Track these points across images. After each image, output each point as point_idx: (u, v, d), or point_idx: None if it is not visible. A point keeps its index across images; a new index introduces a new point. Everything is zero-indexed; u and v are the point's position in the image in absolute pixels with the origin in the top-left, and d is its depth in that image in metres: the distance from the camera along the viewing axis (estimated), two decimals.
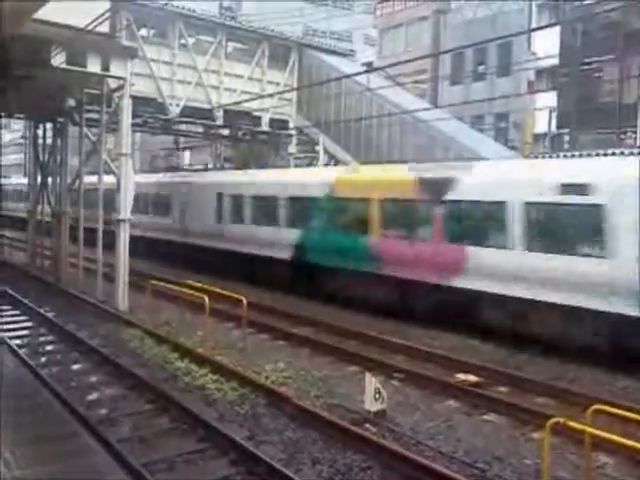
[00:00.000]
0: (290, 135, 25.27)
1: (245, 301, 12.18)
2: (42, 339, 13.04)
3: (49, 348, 12.38)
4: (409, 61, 18.63)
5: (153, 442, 7.89)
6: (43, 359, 11.52)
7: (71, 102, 19.16)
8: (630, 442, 6.02)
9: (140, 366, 10.89)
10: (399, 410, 9.04)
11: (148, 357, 11.55)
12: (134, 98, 17.01)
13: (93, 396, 9.54)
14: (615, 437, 6.04)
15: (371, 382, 8.76)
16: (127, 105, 16.35)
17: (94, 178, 18.33)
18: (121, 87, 16.46)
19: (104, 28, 15.36)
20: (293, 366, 11.10)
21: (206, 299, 11.93)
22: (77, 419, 7.77)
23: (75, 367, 11.10)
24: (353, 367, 11.26)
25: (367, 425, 8.47)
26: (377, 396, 8.71)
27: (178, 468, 7.23)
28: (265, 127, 23.99)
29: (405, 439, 8.06)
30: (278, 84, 24.16)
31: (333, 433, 8.09)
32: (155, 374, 10.49)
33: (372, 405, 8.71)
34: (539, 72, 29.90)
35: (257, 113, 23.56)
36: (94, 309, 15.73)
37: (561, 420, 6.43)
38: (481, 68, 31.81)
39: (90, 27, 12.29)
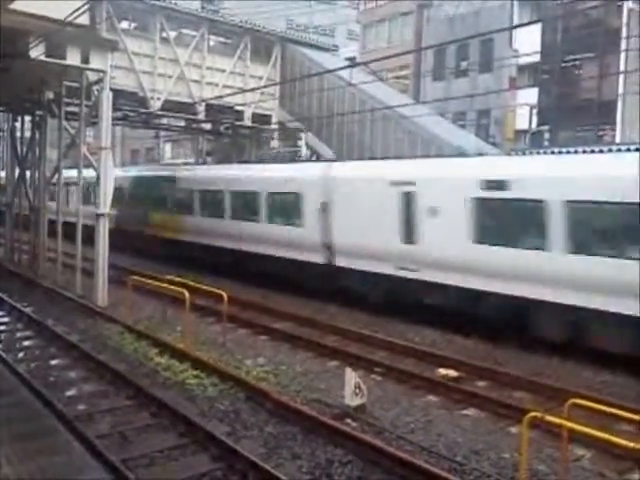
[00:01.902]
0: (272, 130, 25.19)
1: (226, 296, 12.13)
2: (20, 334, 12.89)
3: (27, 344, 12.22)
4: (391, 56, 18.68)
5: (133, 438, 7.84)
6: (20, 355, 11.40)
7: (50, 95, 18.87)
8: (605, 435, 6.13)
9: (120, 362, 10.81)
10: (379, 405, 9.08)
11: (128, 353, 11.47)
12: (114, 91, 16.81)
13: (72, 392, 9.46)
14: (591, 430, 6.13)
15: (351, 377, 8.78)
16: (107, 98, 16.15)
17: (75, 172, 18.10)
18: (101, 80, 16.26)
19: (84, 20, 15.17)
20: (273, 361, 11.11)
21: (186, 294, 11.87)
22: (55, 415, 7.71)
23: (53, 363, 10.99)
24: (334, 362, 11.28)
25: (347, 420, 8.50)
26: (357, 391, 8.74)
27: (158, 464, 7.20)
28: (247, 122, 23.87)
29: (385, 434, 8.10)
30: (261, 78, 24.03)
31: (313, 428, 8.10)
32: (135, 370, 10.43)
33: (352, 400, 8.74)
34: (521, 69, 30.13)
35: (239, 107, 23.44)
36: (73, 304, 15.56)
37: (538, 414, 6.52)
38: (463, 64, 31.96)
39: (70, 19, 12.13)
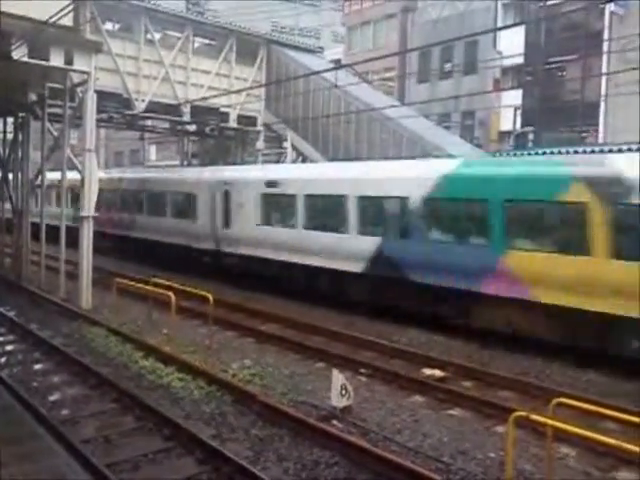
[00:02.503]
0: (258, 131, 25.15)
1: (211, 298, 12.07)
2: (2, 339, 12.72)
3: (9, 348, 12.07)
4: (376, 59, 18.76)
5: (117, 442, 7.77)
6: (3, 359, 11.25)
7: (33, 96, 18.71)
8: (590, 433, 6.17)
9: (104, 365, 10.71)
10: (366, 406, 9.08)
11: (112, 356, 11.36)
12: (99, 93, 16.68)
13: (55, 396, 9.35)
14: (575, 429, 6.17)
15: (337, 378, 8.77)
16: (91, 100, 16.02)
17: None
18: (85, 81, 16.13)
19: (68, 21, 15.06)
20: (259, 363, 11.07)
21: (172, 297, 11.79)
22: (39, 420, 7.63)
23: (37, 367, 10.86)
24: (320, 363, 11.27)
25: (334, 421, 8.49)
26: (344, 392, 8.73)
27: (143, 468, 7.13)
28: (233, 123, 23.83)
29: (371, 435, 8.10)
30: (246, 80, 24.02)
31: (300, 430, 8.08)
32: (120, 373, 10.34)
33: (339, 401, 8.73)
34: (505, 70, 30.34)
35: (225, 109, 23.40)
36: (57, 308, 15.41)
37: (524, 414, 6.55)
38: (447, 66, 32.12)
39: (53, 20, 12.03)
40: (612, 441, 5.91)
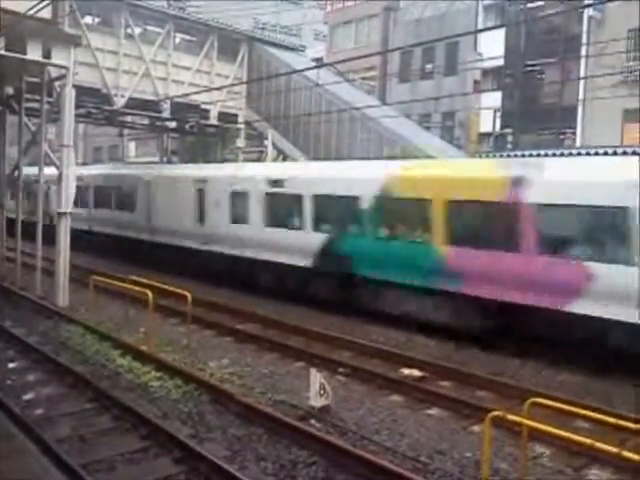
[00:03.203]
0: (239, 129, 25.05)
1: (189, 297, 11.99)
2: None
3: None
4: (358, 58, 18.79)
5: (93, 442, 7.69)
6: None
7: (9, 90, 18.41)
8: (564, 432, 6.26)
9: (80, 364, 10.59)
10: (344, 405, 9.09)
11: (89, 355, 11.23)
12: (77, 88, 16.48)
13: (30, 395, 9.21)
14: (550, 428, 6.26)
15: (316, 378, 8.78)
16: (69, 95, 15.81)
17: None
18: (63, 76, 15.91)
19: (46, 14, 14.85)
20: (238, 362, 11.04)
21: (150, 295, 11.70)
22: (12, 420, 7.52)
23: (11, 366, 10.67)
24: (299, 363, 11.26)
25: (312, 421, 8.50)
26: (322, 392, 8.74)
27: (119, 468, 7.07)
28: (213, 120, 23.71)
29: (350, 434, 8.13)
30: (227, 77, 23.92)
31: (278, 429, 8.08)
32: (96, 372, 10.23)
33: (317, 401, 8.74)
34: (485, 72, 30.61)
35: (205, 106, 23.28)
36: (32, 305, 15.19)
37: (500, 413, 6.63)
38: (428, 67, 32.31)
39: (31, 12, 11.85)
40: (585, 440, 6.03)
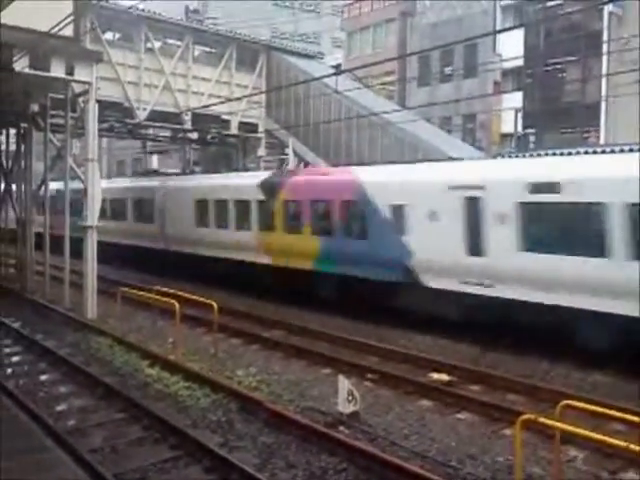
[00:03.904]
0: (259, 138, 25.19)
1: (216, 306, 12.07)
2: (8, 350, 12.71)
3: (15, 359, 12.07)
4: (376, 63, 18.78)
5: (125, 452, 7.77)
6: (9, 370, 11.26)
7: (35, 107, 18.77)
8: (597, 435, 6.15)
9: (110, 375, 10.72)
10: (372, 411, 9.06)
11: (118, 365, 11.36)
12: (100, 102, 16.75)
13: (62, 407, 9.35)
14: (583, 431, 6.15)
15: (344, 384, 8.76)
16: (93, 110, 16.08)
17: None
18: (86, 91, 16.20)
19: (68, 32, 15.14)
20: (265, 370, 11.06)
21: (176, 305, 11.80)
22: (46, 431, 7.63)
23: (43, 378, 10.85)
24: (326, 369, 11.25)
25: (341, 427, 8.47)
26: (350, 398, 8.72)
27: (151, 477, 7.12)
28: (234, 130, 23.87)
29: (379, 440, 8.08)
30: (246, 87, 24.07)
31: (307, 436, 8.07)
32: (126, 382, 10.33)
33: (345, 407, 8.72)
34: (505, 73, 30.38)
35: (226, 116, 23.45)
36: (62, 318, 15.42)
37: (531, 416, 6.54)
38: (448, 70, 32.17)
39: (53, 31, 12.09)
40: (619, 442, 5.90)
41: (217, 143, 26.33)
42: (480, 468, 7.30)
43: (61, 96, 17.28)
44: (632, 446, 5.69)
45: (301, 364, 11.67)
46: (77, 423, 8.65)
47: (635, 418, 6.32)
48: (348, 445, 7.69)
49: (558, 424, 6.48)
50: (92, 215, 16.01)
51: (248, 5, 39.22)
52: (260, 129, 24.85)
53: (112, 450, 7.77)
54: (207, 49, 25.29)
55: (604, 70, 24.04)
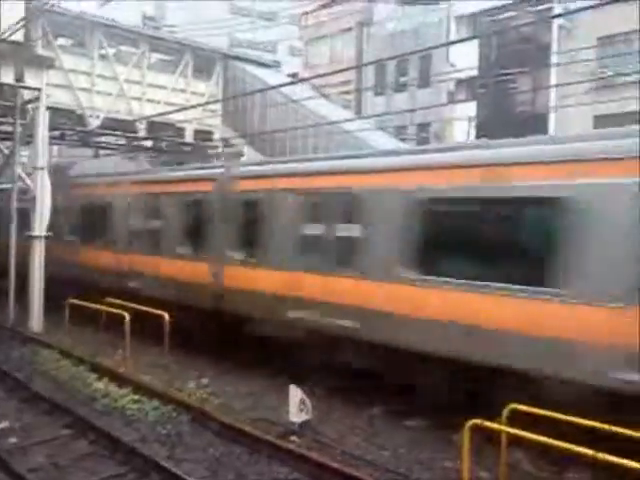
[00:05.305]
0: (214, 146, 25.03)
1: (167, 317, 11.86)
2: None
3: None
4: (333, 73, 18.92)
5: (69, 469, 7.53)
6: None
7: None
8: (541, 437, 6.24)
9: (56, 389, 10.41)
10: (324, 420, 9.03)
11: (65, 379, 11.04)
12: (51, 109, 16.37)
13: (3, 425, 9.00)
14: (526, 434, 6.25)
15: (296, 393, 8.71)
16: (43, 117, 15.71)
17: None
18: (36, 98, 15.80)
19: (18, 37, 14.79)
20: (217, 381, 10.92)
21: (126, 316, 11.55)
22: None
23: None
24: (279, 379, 11.13)
25: (292, 437, 8.42)
26: (302, 407, 8.67)
27: None
28: (189, 138, 23.67)
29: (330, 449, 8.06)
30: (203, 95, 23.92)
31: (258, 447, 8.00)
32: (72, 397, 10.05)
33: (297, 416, 8.66)
34: (459, 83, 30.92)
35: (181, 124, 23.23)
36: (6, 332, 14.92)
37: (478, 421, 6.61)
38: (403, 79, 32.61)
39: (4, 35, 11.78)
40: (561, 444, 6.02)
41: (172, 151, 26.02)
42: (429, 473, 7.37)
43: (10, 103, 16.81)
44: (573, 447, 5.83)
45: (253, 374, 11.53)
46: (18, 441, 8.34)
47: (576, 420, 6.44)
48: (299, 455, 7.65)
49: (503, 427, 6.59)
50: (40, 225, 15.58)
51: (206, 13, 39.03)
52: (216, 137, 24.72)
53: (55, 468, 7.52)
54: (163, 57, 25.05)
55: (552, 81, 24.69)
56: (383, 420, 9.22)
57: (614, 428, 6.02)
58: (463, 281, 8.33)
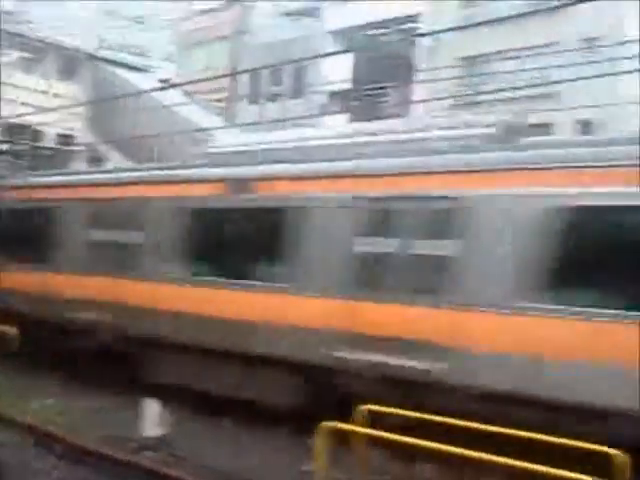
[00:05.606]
0: (77, 151, 23.79)
1: (16, 332, 10.89)
2: None
3: None
4: (206, 80, 18.68)
5: None
6: None
7: None
8: (393, 436, 6.37)
9: None
10: (181, 433, 8.68)
11: None
12: None
13: None
14: (379, 433, 6.36)
15: (150, 407, 8.33)
16: None
17: None
18: None
19: None
20: (65, 400, 10.19)
21: None
22: None
23: None
24: (132, 394, 10.49)
25: (146, 452, 8.03)
26: (157, 421, 8.30)
27: None
28: (50, 142, 22.32)
29: (185, 462, 7.78)
30: (66, 97, 22.69)
31: (107, 466, 7.55)
32: None
33: (152, 431, 8.28)
34: (333, 95, 31.64)
35: (41, 127, 21.85)
36: None
37: (331, 424, 6.63)
38: (275, 89, 32.91)
39: None
40: (409, 439, 6.20)
41: (30, 155, 24.40)
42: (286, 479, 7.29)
43: None
44: (420, 442, 6.01)
45: (104, 391, 10.77)
46: None
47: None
48: (151, 470, 7.30)
49: (356, 428, 6.67)
50: None
51: (74, 13, 37.12)
52: (80, 141, 23.51)
53: None
54: (25, 55, 23.51)
55: (417, 96, 25.92)
56: (244, 430, 9.03)
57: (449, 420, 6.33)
58: None
